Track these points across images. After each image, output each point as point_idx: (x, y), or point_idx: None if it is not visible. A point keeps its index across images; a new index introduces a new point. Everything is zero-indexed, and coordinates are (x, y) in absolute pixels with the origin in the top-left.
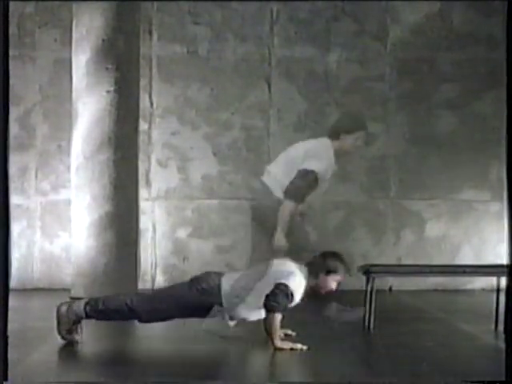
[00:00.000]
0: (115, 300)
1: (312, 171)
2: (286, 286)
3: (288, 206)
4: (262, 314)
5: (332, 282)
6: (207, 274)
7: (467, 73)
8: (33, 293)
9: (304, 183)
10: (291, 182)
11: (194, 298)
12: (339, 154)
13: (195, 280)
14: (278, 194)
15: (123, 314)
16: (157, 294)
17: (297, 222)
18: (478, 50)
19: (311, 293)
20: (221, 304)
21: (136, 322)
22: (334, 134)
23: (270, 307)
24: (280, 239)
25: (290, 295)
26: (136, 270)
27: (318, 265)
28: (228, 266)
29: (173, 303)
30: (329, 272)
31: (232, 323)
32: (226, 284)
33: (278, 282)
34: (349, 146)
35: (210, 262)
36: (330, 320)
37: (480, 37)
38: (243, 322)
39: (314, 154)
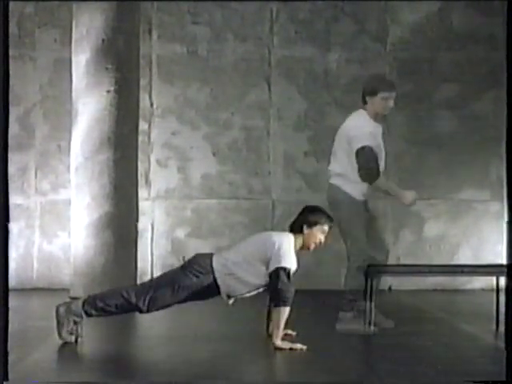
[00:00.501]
0: (112, 295)
1: (363, 147)
2: (284, 269)
3: (376, 186)
4: (258, 289)
5: (318, 234)
6: (198, 255)
7: (467, 73)
8: (32, 293)
9: (368, 161)
10: (359, 169)
11: (188, 281)
12: (376, 119)
13: (187, 263)
14: (351, 188)
15: (122, 307)
16: (152, 283)
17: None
18: (477, 50)
19: (301, 249)
20: (215, 283)
21: (135, 321)
22: (363, 99)
23: (277, 304)
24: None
25: (289, 277)
26: (135, 270)
27: (300, 221)
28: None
29: (169, 289)
30: (312, 224)
31: (230, 302)
32: (217, 262)
33: (276, 266)
34: (378, 107)
35: None
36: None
37: (480, 37)
38: (241, 298)
39: (354, 129)
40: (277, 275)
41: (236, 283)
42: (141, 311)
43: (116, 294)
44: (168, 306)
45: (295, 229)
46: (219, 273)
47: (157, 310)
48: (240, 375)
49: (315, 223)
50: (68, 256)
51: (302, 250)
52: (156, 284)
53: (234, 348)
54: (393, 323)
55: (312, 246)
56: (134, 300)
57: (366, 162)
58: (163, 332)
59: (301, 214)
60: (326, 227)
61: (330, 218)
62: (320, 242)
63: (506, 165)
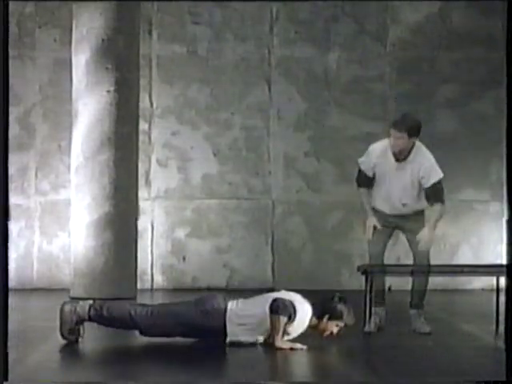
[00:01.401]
0: (120, 309)
1: (440, 180)
2: (293, 304)
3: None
4: (260, 338)
5: (334, 327)
6: (213, 296)
7: (467, 72)
8: (32, 293)
9: (442, 188)
10: (434, 196)
11: (196, 319)
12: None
13: (200, 301)
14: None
15: (125, 323)
16: (161, 310)
17: None
18: (477, 49)
19: (312, 331)
20: (224, 328)
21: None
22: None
23: (275, 309)
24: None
25: (294, 309)
26: (135, 270)
27: (324, 308)
28: (226, 266)
29: (175, 322)
30: (333, 317)
31: (228, 344)
32: (232, 310)
33: (278, 297)
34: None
35: (209, 261)
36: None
37: (480, 37)
38: (239, 344)
39: (424, 166)
40: (283, 299)
41: (244, 333)
42: (141, 333)
43: (123, 310)
44: (169, 336)
45: (316, 311)
46: (231, 321)
47: (157, 336)
48: (240, 375)
49: (338, 318)
50: (68, 256)
51: (310, 330)
52: (164, 313)
53: (234, 348)
54: (429, 328)
55: (324, 335)
56: (138, 321)
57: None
58: None
59: (329, 301)
60: (343, 323)
61: (352, 317)
62: (332, 334)
63: (506, 165)
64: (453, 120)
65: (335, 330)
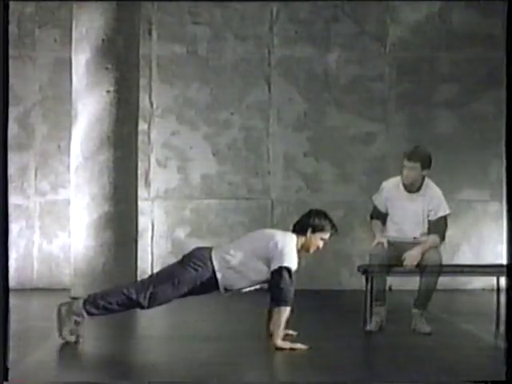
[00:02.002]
0: (113, 292)
1: (446, 216)
2: (286, 268)
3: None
4: (257, 285)
5: (319, 240)
6: (196, 249)
7: (467, 73)
8: (32, 293)
9: (446, 224)
10: (436, 228)
11: (188, 275)
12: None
13: (186, 257)
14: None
15: (124, 304)
16: (152, 279)
17: None
18: (477, 50)
19: (302, 253)
20: (215, 276)
21: (135, 320)
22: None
23: (278, 304)
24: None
25: (291, 277)
26: (135, 270)
27: (305, 223)
28: None
29: (169, 284)
30: (315, 230)
31: (227, 294)
32: (217, 256)
33: (279, 265)
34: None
35: None
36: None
37: (479, 37)
38: (238, 292)
39: (434, 200)
40: (280, 274)
41: (235, 277)
42: (142, 307)
43: (117, 292)
44: (169, 300)
45: (298, 230)
46: (219, 266)
47: (158, 305)
48: (240, 375)
49: (320, 229)
50: (68, 256)
51: (300, 252)
52: (156, 279)
53: (234, 348)
54: (429, 328)
55: (311, 250)
56: (134, 296)
57: (445, 224)
58: (163, 332)
59: (306, 216)
60: (328, 235)
61: (334, 227)
62: (318, 248)
63: (505, 165)
64: (453, 120)
65: (321, 243)
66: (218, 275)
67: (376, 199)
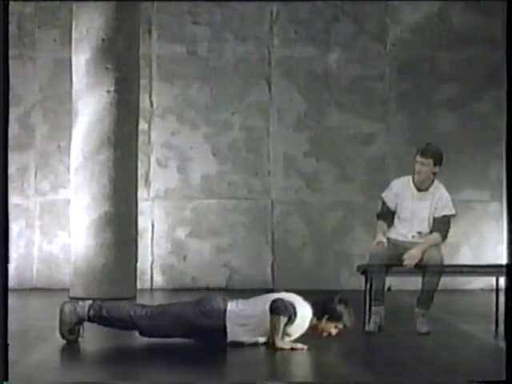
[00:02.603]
0: (119, 309)
1: (450, 216)
2: (293, 305)
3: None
4: (261, 339)
5: (332, 329)
6: (213, 296)
7: (467, 72)
8: (32, 293)
9: (449, 223)
10: (438, 226)
11: (196, 320)
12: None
13: (200, 301)
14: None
15: (125, 324)
16: (160, 311)
17: None
18: (477, 49)
19: (311, 331)
20: (224, 328)
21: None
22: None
23: (275, 309)
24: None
25: (294, 311)
26: (135, 270)
27: (324, 308)
28: (226, 266)
29: (175, 322)
30: (333, 319)
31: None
32: (232, 310)
33: (279, 298)
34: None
35: (209, 261)
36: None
37: (480, 37)
38: (240, 345)
39: (441, 199)
40: (283, 300)
41: (245, 334)
42: (141, 333)
43: (122, 311)
44: (170, 337)
45: (316, 311)
46: (231, 321)
47: (157, 337)
48: (240, 375)
49: (338, 319)
50: (68, 256)
51: (308, 331)
52: (164, 313)
53: (234, 348)
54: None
55: (322, 336)
56: (138, 322)
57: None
58: None
59: (329, 301)
60: (342, 325)
61: (351, 319)
62: (330, 335)
63: (505, 165)
64: (453, 120)
65: (334, 331)
66: (229, 329)
67: (386, 196)
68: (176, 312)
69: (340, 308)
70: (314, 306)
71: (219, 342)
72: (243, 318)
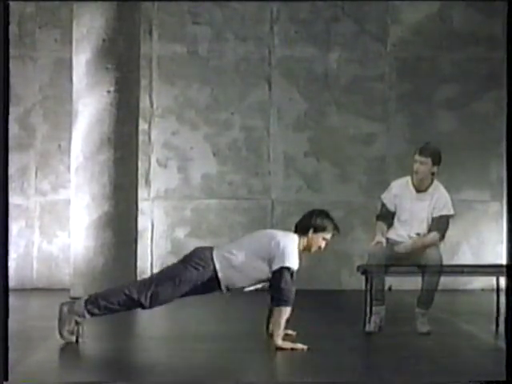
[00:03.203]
0: (114, 292)
1: (449, 217)
2: (288, 268)
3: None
4: (258, 284)
5: (321, 240)
6: (197, 249)
7: (467, 73)
8: (32, 293)
9: (447, 223)
10: (437, 226)
11: (189, 274)
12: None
13: (187, 257)
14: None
15: (125, 304)
16: (153, 279)
17: None
18: (477, 49)
19: (301, 251)
20: (216, 276)
21: (135, 320)
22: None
23: (278, 304)
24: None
25: (292, 277)
26: (135, 270)
27: (306, 223)
28: None
29: (170, 284)
30: (319, 229)
31: (228, 293)
32: (219, 255)
33: (280, 265)
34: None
35: None
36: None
37: (480, 37)
38: (240, 291)
39: (440, 199)
40: (281, 274)
41: (237, 276)
42: (143, 307)
43: (118, 292)
44: (170, 300)
45: (300, 230)
46: (220, 265)
47: (159, 304)
48: (240, 375)
49: (322, 229)
50: (68, 256)
51: (302, 252)
52: (157, 279)
53: (234, 348)
54: (428, 327)
55: (313, 250)
56: (135, 296)
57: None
58: (163, 332)
59: (308, 216)
60: (330, 235)
61: (336, 227)
62: (320, 248)
63: (505, 165)
64: (453, 120)
65: (323, 243)
66: (220, 274)
67: (385, 197)
68: (169, 274)
69: (321, 219)
70: (296, 226)
71: (216, 291)
72: (231, 260)
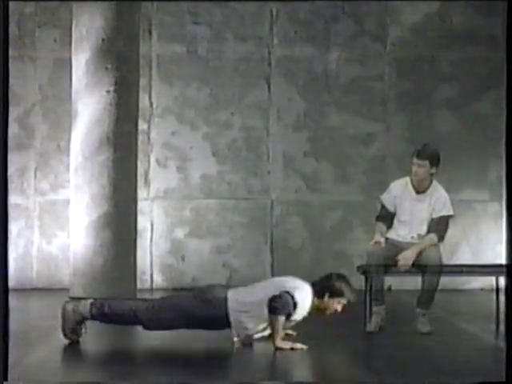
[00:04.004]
0: (121, 305)
1: (448, 217)
2: (291, 294)
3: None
4: (266, 332)
5: (336, 305)
6: (212, 286)
7: (467, 72)
8: (31, 293)
9: (447, 224)
10: (436, 227)
11: (199, 310)
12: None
13: (200, 291)
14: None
15: (128, 319)
16: (162, 304)
17: None
18: (477, 49)
19: (315, 312)
20: (226, 317)
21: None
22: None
23: (272, 309)
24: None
25: (293, 303)
26: (134, 270)
27: (323, 286)
28: (225, 266)
29: (177, 313)
30: (334, 295)
31: (236, 339)
32: (233, 297)
33: (284, 290)
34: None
35: (208, 261)
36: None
37: (480, 37)
38: (248, 340)
39: (439, 200)
40: (280, 295)
41: (248, 321)
42: (144, 327)
43: (124, 306)
44: (173, 329)
45: (316, 292)
46: (233, 308)
47: (160, 330)
48: (240, 375)
49: (339, 295)
50: (67, 256)
51: (313, 312)
52: (166, 306)
53: (234, 348)
54: (429, 328)
55: (328, 313)
56: (140, 316)
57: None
58: (163, 332)
59: (326, 279)
60: (346, 300)
61: (353, 293)
62: (336, 311)
63: (505, 165)
64: (452, 120)
65: (339, 307)
66: (231, 317)
67: (385, 198)
68: (178, 303)
69: (339, 284)
70: (313, 286)
71: (220, 330)
72: (244, 304)
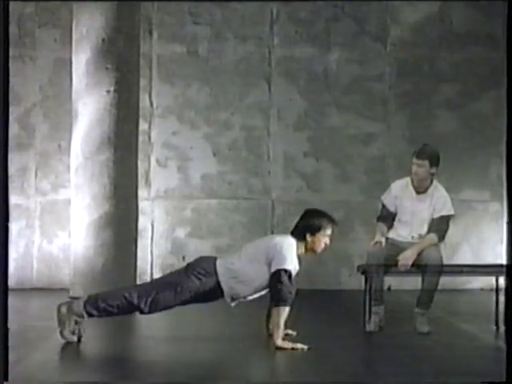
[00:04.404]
0: (114, 295)
1: (449, 217)
2: (285, 270)
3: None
4: (262, 291)
5: (322, 239)
6: (201, 258)
7: (467, 73)
8: (32, 293)
9: (447, 224)
10: (436, 227)
11: (191, 284)
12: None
13: (190, 266)
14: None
15: (124, 308)
16: (154, 285)
17: None
18: (477, 49)
19: (305, 256)
20: (219, 286)
21: (135, 321)
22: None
23: (277, 304)
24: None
25: (290, 279)
26: (135, 270)
27: (302, 227)
28: None
29: (171, 291)
30: (315, 230)
31: (233, 304)
32: (221, 266)
33: (277, 268)
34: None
35: None
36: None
37: (480, 37)
38: (244, 300)
39: (440, 200)
40: (277, 276)
41: (240, 285)
42: (142, 312)
43: (118, 295)
44: (170, 307)
45: (297, 235)
46: (223, 276)
47: (159, 311)
48: (240, 375)
49: (318, 229)
50: (68, 256)
51: (307, 253)
52: (158, 285)
53: (235, 348)
54: (427, 328)
55: (318, 250)
56: (135, 301)
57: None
58: (163, 332)
59: (302, 219)
60: (329, 231)
61: (333, 221)
62: (326, 245)
63: (505, 165)
64: (452, 120)
65: (326, 240)
66: (223, 285)
67: (385, 199)
68: (171, 281)
69: (314, 220)
70: (293, 233)
71: (216, 300)
72: (232, 271)
